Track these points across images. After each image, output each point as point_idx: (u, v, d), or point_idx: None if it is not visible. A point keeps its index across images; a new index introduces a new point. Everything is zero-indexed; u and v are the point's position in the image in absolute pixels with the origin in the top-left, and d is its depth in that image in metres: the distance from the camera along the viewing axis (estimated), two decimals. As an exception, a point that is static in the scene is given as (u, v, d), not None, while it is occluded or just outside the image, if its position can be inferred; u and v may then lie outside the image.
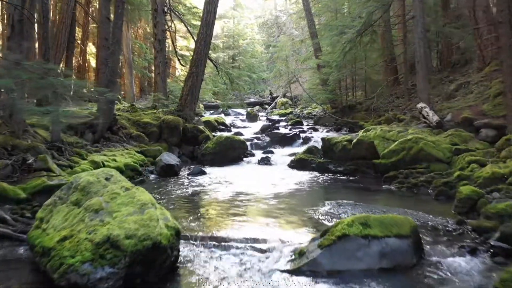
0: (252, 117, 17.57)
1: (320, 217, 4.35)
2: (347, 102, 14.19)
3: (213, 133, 12.85)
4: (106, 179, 3.35)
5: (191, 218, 4.42)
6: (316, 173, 7.38)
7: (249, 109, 26.35)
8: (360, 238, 3.00)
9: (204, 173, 7.60)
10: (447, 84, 10.48)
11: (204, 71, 10.81)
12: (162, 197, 5.58)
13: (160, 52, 11.48)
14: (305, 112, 19.78)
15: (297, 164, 7.98)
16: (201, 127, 10.13)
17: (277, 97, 26.57)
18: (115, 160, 7.16)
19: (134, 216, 2.95)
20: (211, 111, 24.31)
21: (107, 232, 2.76)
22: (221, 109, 22.95)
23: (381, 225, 3.09)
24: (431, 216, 4.25)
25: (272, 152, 9.84)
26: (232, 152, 9.12)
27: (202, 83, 19.59)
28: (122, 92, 18.87)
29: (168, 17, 12.86)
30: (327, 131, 12.95)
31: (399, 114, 10.91)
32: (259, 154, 9.78)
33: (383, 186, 6.09)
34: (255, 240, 3.66)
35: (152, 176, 7.46)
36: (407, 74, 11.67)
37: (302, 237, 3.69)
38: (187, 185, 6.57)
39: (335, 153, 7.67)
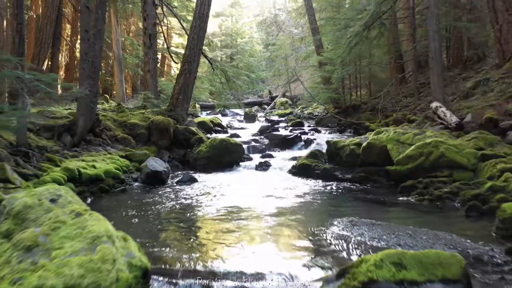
0: (250, 118, 16.77)
1: (332, 241, 3.54)
2: (351, 102, 13.39)
3: (208, 135, 12.06)
4: (51, 200, 2.54)
5: (171, 243, 3.61)
6: (321, 181, 6.58)
7: (247, 109, 25.62)
8: (393, 285, 2.19)
9: (194, 180, 6.78)
10: (461, 82, 9.70)
11: (197, 68, 10.00)
12: (141, 213, 4.76)
13: (150, 48, 10.66)
14: (305, 112, 18.99)
15: (299, 170, 7.17)
16: (193, 128, 9.32)
17: (276, 97, 25.78)
18: (94, 167, 6.35)
19: (81, 256, 2.14)
20: (208, 111, 23.51)
21: (38, 282, 1.95)
22: (218, 110, 22.15)
23: (421, 266, 2.29)
24: (468, 241, 3.45)
25: (271, 156, 9.04)
26: (227, 157, 8.31)
27: (197, 81, 18.82)
28: (114, 92, 18.06)
29: (160, 11, 12.05)
30: (330, 133, 12.16)
31: (409, 114, 10.11)
32: (257, 158, 8.98)
33: (400, 198, 5.28)
34: (251, 277, 2.85)
35: (136, 184, 6.64)
36: (416, 72, 10.86)
37: (311, 272, 2.89)
38: (174, 196, 5.75)
39: (342, 159, 6.86)
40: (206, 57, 11.39)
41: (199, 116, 19.48)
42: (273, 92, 29.06)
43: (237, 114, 22.13)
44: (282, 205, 5.01)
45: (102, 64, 16.43)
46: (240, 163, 8.45)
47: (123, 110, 9.58)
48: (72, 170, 5.77)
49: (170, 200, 5.51)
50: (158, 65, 23.21)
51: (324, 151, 8.73)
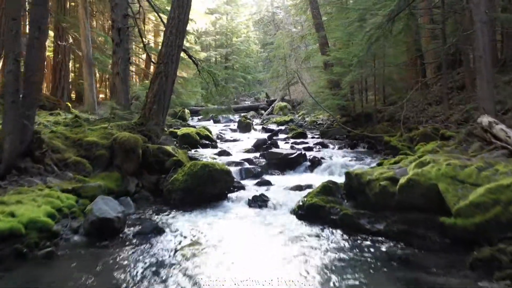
0: (244, 127, 14.86)
1: None
2: (363, 110, 11.49)
3: (194, 150, 10.16)
4: None
5: None
6: (340, 234, 4.67)
7: (243, 114, 23.71)
8: None
9: (159, 232, 4.84)
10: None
11: (176, 70, 8.10)
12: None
13: (120, 45, 8.73)
14: (307, 119, 17.13)
15: (309, 213, 5.26)
16: (169, 148, 7.38)
17: (274, 101, 23.89)
18: (12, 214, 4.43)
19: None
20: (200, 117, 21.63)
21: None
22: (210, 115, 20.24)
23: None
24: None
25: (269, 183, 7.15)
26: (211, 187, 6.38)
27: (187, 85, 16.85)
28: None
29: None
30: (339, 148, 10.28)
31: (441, 127, 8.23)
32: (251, 186, 7.09)
33: (480, 284, 3.35)
34: None
35: (75, 239, 4.69)
36: (447, 74, 8.98)
37: None
38: (122, 266, 3.82)
39: (370, 199, 4.96)
40: (190, 56, 9.48)
41: (189, 125, 17.63)
42: (271, 96, 27.16)
43: (230, 120, 20.27)
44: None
45: (70, 65, 14.54)
46: (229, 195, 6.53)
47: (80, 124, 7.64)
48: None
49: (111, 275, 3.58)
50: (143, 66, 21.27)
51: (338, 178, 6.92)
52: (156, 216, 5.67)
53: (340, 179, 7.42)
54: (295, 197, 6.22)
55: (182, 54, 9.07)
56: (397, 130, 9.95)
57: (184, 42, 9.35)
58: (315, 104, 12.55)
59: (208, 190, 6.37)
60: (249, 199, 6.16)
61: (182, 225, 5.21)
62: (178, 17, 7.96)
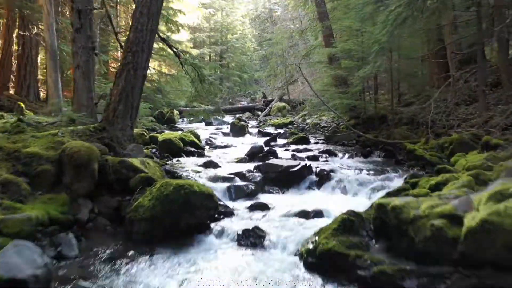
0: (238, 130, 13.26)
1: None
2: (376, 111, 9.90)
3: (177, 160, 8.57)
4: None
5: None
6: (374, 302, 3.08)
7: (238, 115, 22.09)
8: None
9: (98, 299, 3.24)
10: None
11: (148, 60, 6.53)
12: None
13: (81, 31, 7.11)
14: (308, 121, 15.54)
15: (322, 262, 3.66)
16: (136, 160, 5.77)
17: (271, 101, 22.26)
18: None
19: None
20: (191, 118, 19.98)
21: None
22: (202, 116, 18.62)
23: None
24: None
25: (265, 207, 5.57)
26: (187, 216, 4.76)
27: (174, 83, 15.15)
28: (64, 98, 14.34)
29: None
30: (350, 157, 8.68)
31: (482, 133, 6.66)
32: (242, 210, 5.52)
33: None
34: None
35: (-35, 313, 3.08)
36: (483, 68, 7.41)
37: None
38: None
39: (415, 245, 3.36)
40: (170, 46, 7.87)
41: (174, 127, 16.02)
42: (268, 96, 25.56)
43: (224, 122, 18.65)
44: None
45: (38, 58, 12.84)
46: (212, 226, 4.93)
47: (23, 130, 6.01)
48: None
49: None
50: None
51: (354, 200, 5.41)
52: (107, 263, 4.06)
53: (357, 201, 5.91)
54: (300, 229, 4.67)
55: (160, 44, 7.42)
56: (420, 135, 8.39)
57: (164, 29, 7.73)
58: (320, 104, 10.96)
59: (184, 220, 4.76)
60: (238, 234, 4.56)
61: (139, 280, 3.60)
62: (150, -6, 6.36)
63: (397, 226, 3.52)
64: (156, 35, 8.09)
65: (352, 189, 6.27)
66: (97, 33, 14.30)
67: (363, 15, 8.57)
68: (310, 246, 3.84)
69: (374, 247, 3.80)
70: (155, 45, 13.25)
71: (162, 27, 12.28)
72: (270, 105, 21.33)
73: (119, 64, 18.96)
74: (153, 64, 20.12)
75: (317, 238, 3.90)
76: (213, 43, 36.93)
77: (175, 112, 18.26)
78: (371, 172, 7.04)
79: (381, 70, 7.92)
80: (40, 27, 12.22)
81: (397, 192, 5.11)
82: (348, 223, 3.90)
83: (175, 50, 7.98)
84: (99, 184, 5.47)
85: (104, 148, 5.82)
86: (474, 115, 7.67)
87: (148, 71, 21.63)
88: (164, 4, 14.09)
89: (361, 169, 7.29)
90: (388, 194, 5.08)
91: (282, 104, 20.93)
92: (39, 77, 13.75)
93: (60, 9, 13.72)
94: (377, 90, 10.11)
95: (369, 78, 9.60)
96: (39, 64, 13.53)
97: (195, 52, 26.26)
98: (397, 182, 6.23)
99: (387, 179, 6.41)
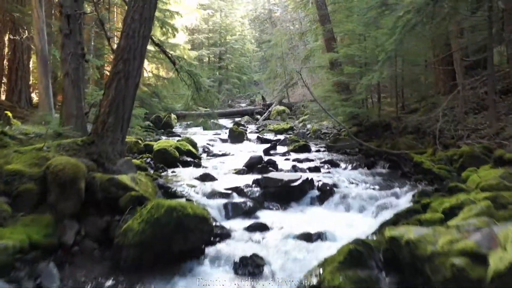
0: (236, 136, 12.91)
1: None
2: (380, 118, 9.55)
3: (172, 171, 8.23)
4: None
5: None
6: None
7: (237, 119, 21.71)
8: None
9: None
10: None
11: (141, 69, 6.19)
12: None
13: (70, 37, 6.75)
14: (309, 126, 15.19)
15: (329, 300, 3.29)
16: (126, 177, 5.40)
17: (271, 104, 21.89)
18: None
19: None
20: (189, 122, 19.61)
21: None
22: (201, 120, 18.25)
23: None
24: None
25: (264, 228, 5.22)
26: (180, 241, 4.40)
27: (170, 86, 14.78)
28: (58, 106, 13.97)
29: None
30: (353, 168, 8.33)
31: (494, 146, 6.31)
32: (240, 231, 5.16)
33: None
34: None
35: None
36: (493, 75, 7.05)
37: None
38: None
39: (430, 281, 3.01)
40: (164, 52, 7.50)
41: (172, 132, 15.66)
42: (267, 99, 25.22)
43: (223, 126, 18.29)
44: None
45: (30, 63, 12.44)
46: (207, 251, 4.57)
47: (5, 144, 5.65)
48: None
49: None
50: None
51: (358, 217, 5.09)
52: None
53: (362, 220, 5.56)
54: (302, 256, 4.32)
55: (153, 48, 7.08)
56: (426, 145, 8.04)
57: (158, 33, 7.38)
58: (321, 111, 10.61)
59: (176, 245, 4.41)
60: (235, 262, 4.20)
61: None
62: (142, -1, 6.00)
63: (411, 262, 3.16)
64: (150, 40, 7.75)
65: (357, 206, 5.91)
66: (91, 36, 13.93)
67: (367, 20, 8.22)
68: (314, 280, 3.49)
69: (384, 281, 3.45)
70: (151, 48, 12.88)
71: (157, 32, 11.92)
72: (269, 109, 20.97)
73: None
74: (150, 67, 19.77)
75: (321, 271, 3.54)
76: (212, 44, 36.59)
77: (173, 116, 17.88)
78: (376, 186, 6.69)
79: (386, 77, 7.56)
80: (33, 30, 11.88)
81: (406, 214, 4.77)
82: (356, 255, 3.54)
83: (170, 56, 7.61)
84: (86, 203, 5.10)
85: (92, 164, 5.46)
86: (484, 124, 7.32)
87: (145, 74, 21.29)
88: (160, 6, 13.76)
89: (365, 183, 6.94)
90: (397, 216, 4.74)
91: (282, 107, 20.58)
92: (32, 81, 13.36)
93: (53, 11, 13.33)
94: (379, 97, 9.74)
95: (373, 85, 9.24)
96: (31, 69, 13.14)
97: (193, 54, 25.88)
98: (405, 198, 5.88)
99: (393, 195, 6.06)
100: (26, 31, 11.65)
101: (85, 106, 6.95)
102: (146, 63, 20.94)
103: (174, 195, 6.05)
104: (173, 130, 16.68)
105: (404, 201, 5.73)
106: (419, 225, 3.98)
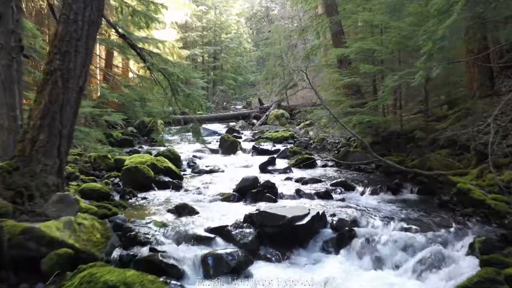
0: (228, 147, 11.26)
1: None
2: (402, 128, 7.90)
3: (142, 197, 6.59)
4: None
5: None
6: None
7: (231, 123, 20.06)
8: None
9: None
10: None
11: (88, 66, 4.52)
12: None
13: None
14: (311, 133, 13.56)
15: None
16: (56, 226, 3.72)
17: (268, 107, 20.26)
18: None
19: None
20: (178, 127, 17.89)
21: None
22: (191, 126, 16.54)
23: None
24: None
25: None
26: None
27: (155, 87, 13.00)
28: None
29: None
30: (372, 192, 6.68)
31: None
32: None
33: None
34: None
35: None
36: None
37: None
38: None
39: None
40: (132, 45, 5.81)
41: (155, 142, 13.96)
42: (264, 101, 23.57)
43: (215, 133, 16.66)
44: None
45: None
46: None
47: None
48: None
49: None
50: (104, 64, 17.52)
51: (393, 277, 3.46)
52: None
53: (398, 281, 3.92)
54: None
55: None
56: (467, 164, 6.40)
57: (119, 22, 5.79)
58: (330, 119, 8.91)
59: None
60: None
61: None
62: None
63: None
64: (114, 31, 6.09)
65: (390, 258, 4.26)
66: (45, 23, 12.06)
67: (388, 7, 6.61)
68: None
69: None
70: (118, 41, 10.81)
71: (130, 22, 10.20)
72: (267, 112, 19.33)
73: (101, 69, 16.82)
74: (136, 67, 18.06)
75: None
76: (206, 43, 34.89)
77: (159, 121, 16.16)
78: (411, 224, 5.01)
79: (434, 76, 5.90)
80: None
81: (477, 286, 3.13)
82: None
83: (138, 50, 5.96)
84: (-11, 267, 3.45)
85: (6, 205, 3.78)
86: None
87: (130, 74, 19.56)
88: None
89: (394, 217, 5.28)
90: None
91: (281, 111, 18.94)
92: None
93: None
94: (401, 102, 8.10)
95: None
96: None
97: (184, 53, 24.21)
98: (458, 247, 4.26)
99: (440, 241, 4.41)
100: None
101: (19, 116, 5.27)
102: (131, 62, 19.28)
103: (134, 241, 4.38)
104: (158, 137, 14.95)
105: (459, 254, 4.10)
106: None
